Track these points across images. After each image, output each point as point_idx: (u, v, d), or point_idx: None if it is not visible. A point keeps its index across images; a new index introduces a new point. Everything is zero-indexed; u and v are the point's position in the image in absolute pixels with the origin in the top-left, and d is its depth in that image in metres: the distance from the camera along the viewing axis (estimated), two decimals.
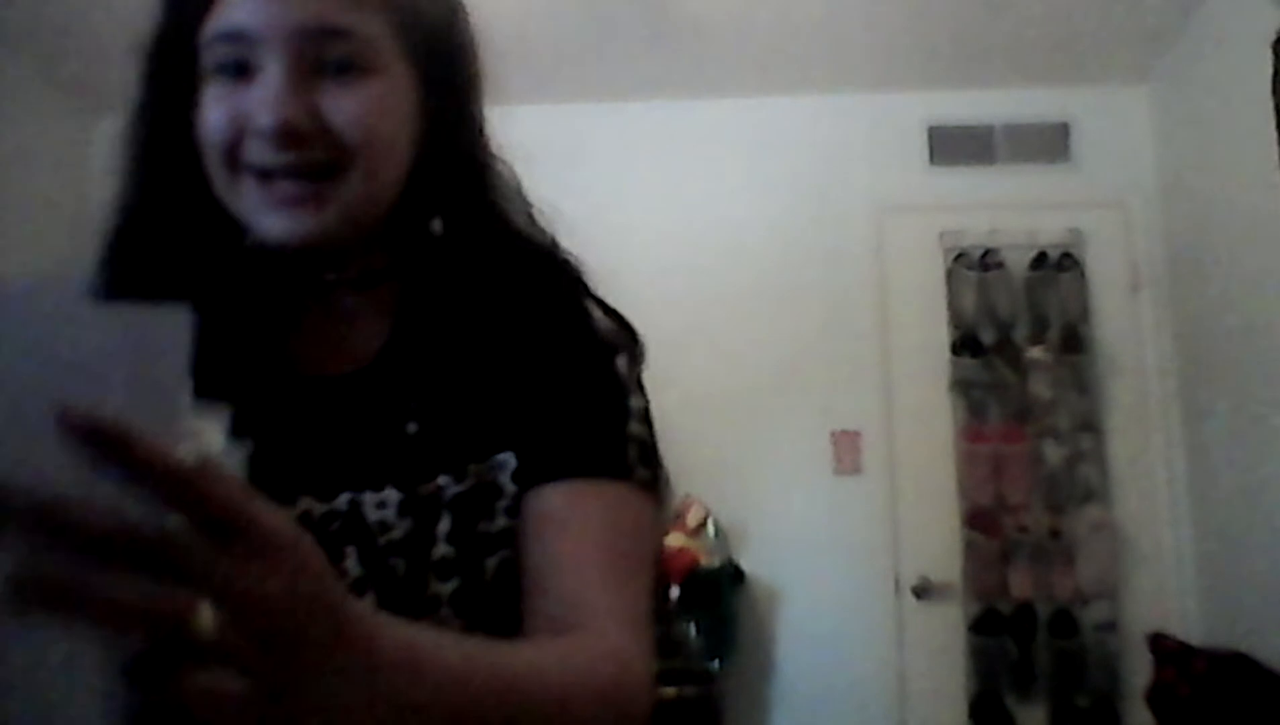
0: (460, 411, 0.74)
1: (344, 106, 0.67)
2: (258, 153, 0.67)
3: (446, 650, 0.53)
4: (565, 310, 0.78)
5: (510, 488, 0.72)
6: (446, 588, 0.70)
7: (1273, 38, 2.58)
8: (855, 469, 3.54)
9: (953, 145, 3.71)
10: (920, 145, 3.72)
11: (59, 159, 3.70)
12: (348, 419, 0.74)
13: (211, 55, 0.68)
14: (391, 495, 0.71)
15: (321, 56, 0.67)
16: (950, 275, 3.59)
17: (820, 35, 3.39)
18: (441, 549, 0.70)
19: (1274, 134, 2.61)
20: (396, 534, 0.71)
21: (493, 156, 0.81)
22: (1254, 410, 2.95)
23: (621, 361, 0.77)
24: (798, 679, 3.46)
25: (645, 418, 0.76)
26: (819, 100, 3.74)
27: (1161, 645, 2.96)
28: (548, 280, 0.80)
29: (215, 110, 0.68)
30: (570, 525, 0.69)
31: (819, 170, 3.72)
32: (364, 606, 0.46)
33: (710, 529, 3.32)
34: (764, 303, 3.63)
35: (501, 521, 0.72)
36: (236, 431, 0.67)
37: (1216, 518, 3.23)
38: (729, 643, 3.33)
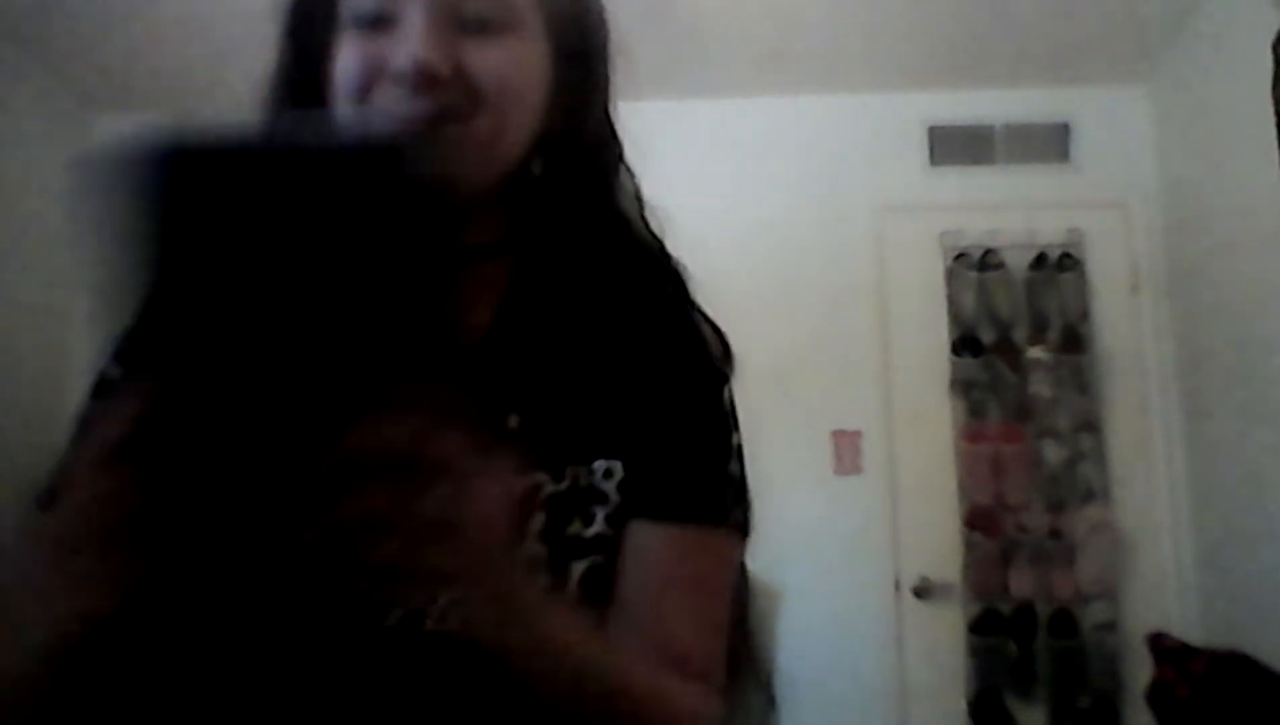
0: (564, 411, 0.72)
1: (483, 58, 0.68)
2: (391, 98, 0.67)
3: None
4: (681, 327, 0.78)
5: (615, 496, 0.71)
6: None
7: (1273, 38, 2.58)
8: (855, 469, 3.54)
9: (953, 145, 3.71)
10: (920, 145, 3.72)
11: (59, 159, 3.69)
12: None
13: (351, 6, 0.69)
14: None
15: (461, 12, 0.67)
16: (950, 275, 3.59)
17: (820, 35, 3.39)
18: (531, 547, 0.69)
19: (1274, 134, 2.61)
20: None
21: (617, 146, 0.81)
22: (1254, 410, 2.95)
23: (728, 392, 0.78)
24: (798, 679, 3.45)
25: (740, 454, 0.77)
26: (819, 100, 3.74)
27: (1161, 645, 2.95)
28: (661, 287, 0.80)
29: (351, 57, 0.68)
30: (668, 573, 0.71)
31: (819, 170, 3.72)
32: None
33: None
34: (764, 302, 3.62)
35: (599, 528, 0.71)
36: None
37: (1216, 518, 3.23)
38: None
